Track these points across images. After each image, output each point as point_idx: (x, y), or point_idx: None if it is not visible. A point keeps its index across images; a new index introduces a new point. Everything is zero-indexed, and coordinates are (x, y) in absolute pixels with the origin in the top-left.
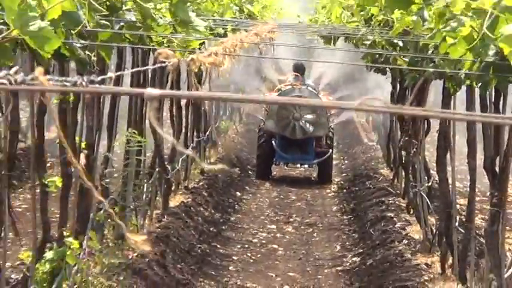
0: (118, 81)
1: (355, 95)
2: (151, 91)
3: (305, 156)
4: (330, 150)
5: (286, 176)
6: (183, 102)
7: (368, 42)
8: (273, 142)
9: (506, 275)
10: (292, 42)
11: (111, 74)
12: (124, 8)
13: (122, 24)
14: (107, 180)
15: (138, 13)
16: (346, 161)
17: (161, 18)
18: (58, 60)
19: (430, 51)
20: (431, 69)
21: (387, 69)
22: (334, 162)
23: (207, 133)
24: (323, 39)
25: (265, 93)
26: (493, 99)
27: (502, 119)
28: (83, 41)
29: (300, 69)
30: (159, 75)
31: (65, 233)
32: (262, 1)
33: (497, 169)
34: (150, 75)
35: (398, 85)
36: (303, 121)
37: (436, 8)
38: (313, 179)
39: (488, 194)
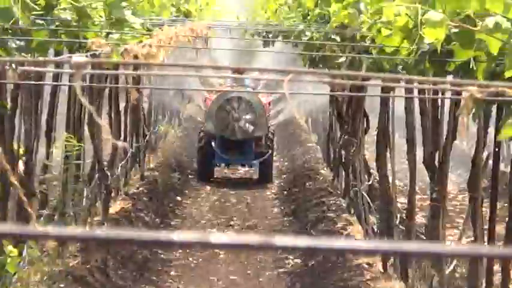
0: (55, 88)
1: (295, 95)
2: (77, 58)
3: (245, 156)
4: (270, 151)
5: (227, 178)
6: (121, 106)
7: (305, 39)
8: (213, 143)
9: (447, 271)
10: (232, 44)
11: (50, 69)
12: (59, 7)
13: (57, 23)
14: (45, 186)
15: (74, 12)
16: (286, 163)
17: (97, 17)
18: None
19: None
20: (366, 56)
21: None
22: (275, 164)
23: (146, 138)
24: (261, 40)
25: (204, 95)
26: (431, 94)
27: None
28: (18, 41)
29: (238, 70)
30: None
31: (4, 242)
32: (200, 0)
33: (436, 164)
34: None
35: (336, 85)
36: (242, 122)
37: None
38: (254, 178)
39: (428, 191)
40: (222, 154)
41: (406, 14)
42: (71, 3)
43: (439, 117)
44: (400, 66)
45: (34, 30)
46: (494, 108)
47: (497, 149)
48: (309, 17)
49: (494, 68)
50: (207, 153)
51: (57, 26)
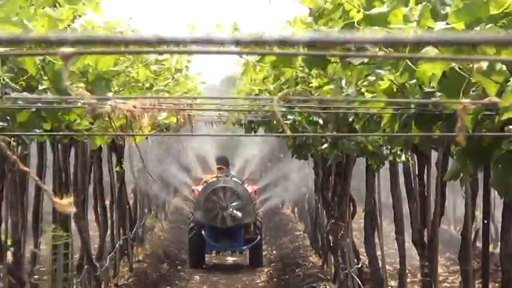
0: (40, 177)
1: (279, 183)
2: (65, 49)
3: (235, 243)
4: (259, 236)
5: (218, 264)
6: (107, 201)
7: (288, 122)
8: (203, 232)
9: None
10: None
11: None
12: (40, 87)
13: (39, 104)
14: (36, 277)
15: (55, 92)
16: (274, 251)
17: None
18: None
19: (350, 120)
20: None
21: (309, 155)
22: (263, 252)
23: (133, 231)
24: (243, 128)
25: (191, 186)
26: (416, 172)
27: None
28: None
29: (223, 162)
30: (81, 161)
31: None
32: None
33: (425, 241)
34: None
35: (321, 171)
36: (230, 210)
37: (354, 67)
38: (244, 264)
39: (418, 275)
40: (212, 242)
41: (389, 80)
42: (52, 86)
43: (425, 194)
44: (385, 137)
45: (17, 110)
46: (481, 181)
47: (485, 221)
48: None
49: (481, 117)
50: (197, 242)
51: (38, 108)
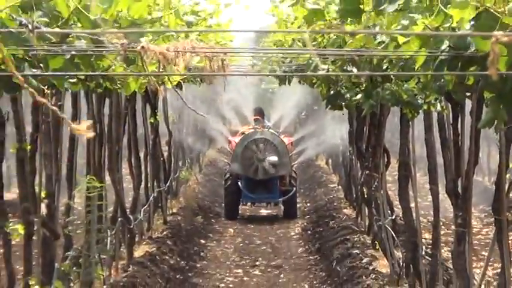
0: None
1: (314, 135)
2: None
3: (270, 195)
4: (294, 188)
5: (253, 216)
6: (141, 153)
7: (323, 72)
8: (239, 183)
9: None
10: (250, 88)
11: None
12: (73, 35)
13: (72, 52)
14: (70, 228)
15: (88, 40)
16: (308, 204)
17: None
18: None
19: (384, 67)
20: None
21: (343, 106)
22: (298, 205)
23: (167, 183)
24: (277, 79)
25: (229, 137)
26: (451, 121)
27: None
28: (34, 70)
29: (260, 113)
30: (115, 111)
31: (30, 283)
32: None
33: (459, 190)
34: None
35: (355, 122)
36: (267, 162)
37: (388, 14)
38: (279, 216)
39: (452, 227)
40: (248, 193)
41: (423, 23)
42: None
43: (459, 143)
44: (419, 84)
45: (50, 58)
46: None
47: None
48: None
49: None
50: (233, 193)
51: (72, 56)
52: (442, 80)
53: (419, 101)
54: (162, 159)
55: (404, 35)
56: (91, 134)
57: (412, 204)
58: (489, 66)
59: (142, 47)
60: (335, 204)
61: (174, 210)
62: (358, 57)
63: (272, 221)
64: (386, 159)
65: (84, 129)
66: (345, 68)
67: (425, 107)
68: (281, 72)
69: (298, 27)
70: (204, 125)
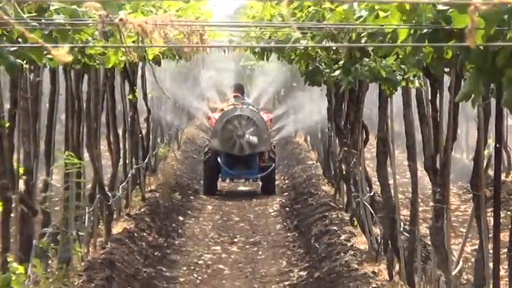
0: (53, 104)
1: (294, 111)
2: None
3: (249, 171)
4: (273, 164)
5: (231, 193)
6: (120, 130)
7: (301, 45)
8: (219, 159)
9: (454, 272)
10: (228, 65)
11: None
12: (51, 9)
13: (51, 27)
14: (48, 205)
15: (67, 14)
16: (286, 181)
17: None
18: None
19: (363, 41)
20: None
21: (322, 82)
22: (275, 182)
23: (146, 160)
24: (255, 55)
25: (208, 113)
26: (429, 97)
27: None
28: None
29: (239, 89)
30: (93, 88)
31: (8, 260)
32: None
33: (438, 167)
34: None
35: (334, 99)
36: (246, 138)
37: None
38: (258, 191)
39: (431, 203)
40: (227, 169)
41: None
42: (63, 7)
43: (438, 119)
44: (398, 60)
45: (28, 32)
46: (494, 108)
47: (497, 146)
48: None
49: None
50: (212, 169)
51: (50, 31)
52: (421, 54)
53: (397, 77)
54: (140, 136)
55: (384, 6)
56: (69, 58)
57: (391, 181)
58: (467, 36)
59: (121, 19)
60: (313, 181)
61: (153, 187)
62: (337, 31)
63: (250, 197)
64: (364, 136)
65: (63, 54)
66: (323, 43)
67: (403, 83)
68: (259, 48)
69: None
70: (183, 101)
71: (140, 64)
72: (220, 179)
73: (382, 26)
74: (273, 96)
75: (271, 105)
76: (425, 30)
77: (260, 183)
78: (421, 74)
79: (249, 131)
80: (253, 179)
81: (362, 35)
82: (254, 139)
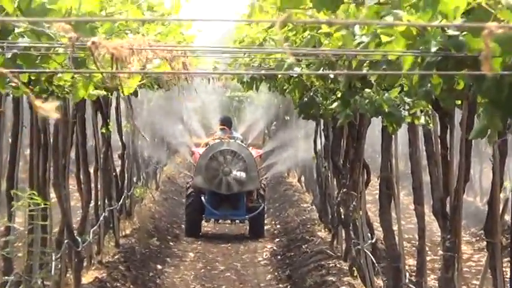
0: (16, 138)
1: (287, 147)
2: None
3: (236, 211)
4: (262, 205)
5: (216, 237)
6: (91, 167)
7: (295, 75)
8: (202, 198)
9: None
10: (211, 96)
11: None
12: (17, 30)
13: (15, 51)
14: (9, 250)
15: (33, 35)
16: (278, 225)
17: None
18: None
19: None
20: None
21: (318, 115)
22: (266, 227)
23: (120, 202)
24: (243, 85)
25: (191, 148)
26: (438, 133)
27: None
28: None
29: (226, 122)
30: (62, 120)
31: None
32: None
33: (448, 211)
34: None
35: (331, 134)
36: (233, 176)
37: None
38: (245, 234)
39: (440, 252)
40: (212, 209)
41: (408, 20)
42: (31, 28)
43: (448, 158)
44: (403, 93)
45: None
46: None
47: None
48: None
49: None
50: (196, 208)
51: (15, 54)
52: (429, 86)
53: (402, 112)
54: (114, 174)
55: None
56: (57, 115)
57: (395, 227)
58: (482, 63)
59: (93, 42)
60: (308, 226)
61: (128, 232)
62: (336, 58)
63: (237, 243)
64: (366, 176)
65: (49, 108)
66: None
67: (409, 119)
68: (248, 76)
69: (269, 28)
70: (163, 136)
71: (115, 94)
72: (204, 220)
73: (386, 53)
74: (262, 131)
75: (261, 140)
76: (433, 58)
77: (248, 225)
78: (428, 109)
79: (236, 168)
80: (240, 221)
81: (364, 64)
82: (242, 176)
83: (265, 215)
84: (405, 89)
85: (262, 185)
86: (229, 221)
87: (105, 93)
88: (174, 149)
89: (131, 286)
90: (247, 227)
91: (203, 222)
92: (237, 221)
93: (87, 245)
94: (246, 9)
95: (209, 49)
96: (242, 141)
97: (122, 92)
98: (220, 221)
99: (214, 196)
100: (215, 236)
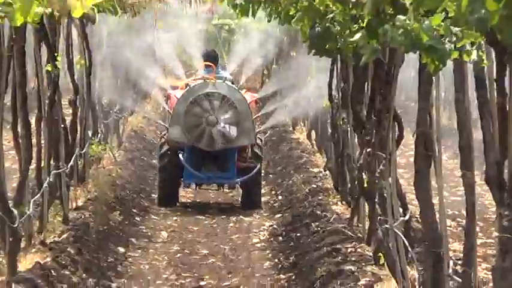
0: None
1: (292, 92)
2: None
3: (224, 174)
4: (258, 165)
5: (197, 207)
6: (32, 117)
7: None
8: (180, 156)
9: None
10: (193, 25)
11: None
12: None
13: None
14: None
15: None
16: (280, 196)
17: None
18: None
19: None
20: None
21: (334, 50)
22: (264, 198)
23: (71, 162)
24: (235, 9)
25: (168, 91)
26: (494, 75)
27: None
28: None
29: (212, 58)
30: None
31: None
32: None
33: (506, 179)
34: None
35: (352, 76)
36: (221, 126)
37: None
38: (236, 204)
39: (494, 233)
40: (193, 170)
41: None
42: None
43: (507, 108)
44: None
45: None
46: None
47: None
48: None
49: None
50: (171, 169)
51: None
52: (483, 11)
53: (447, 45)
54: (63, 126)
55: None
56: None
57: (435, 200)
58: None
59: None
60: (320, 197)
61: (80, 203)
62: None
63: (226, 217)
64: (397, 132)
65: None
66: None
67: (455, 54)
68: None
69: None
70: (128, 76)
71: (65, 20)
72: (182, 185)
73: None
74: (261, 71)
75: (258, 82)
76: None
77: (240, 192)
78: (481, 42)
79: (224, 116)
80: (229, 186)
81: None
82: (232, 128)
83: (263, 181)
84: (450, 14)
85: (259, 139)
86: (215, 186)
87: (51, 11)
88: (144, 92)
89: (83, 275)
90: (239, 196)
91: (181, 188)
92: (226, 186)
93: (26, 219)
94: None
95: None
96: (233, 83)
97: (73, 14)
98: (203, 186)
99: (195, 153)
100: (196, 207)
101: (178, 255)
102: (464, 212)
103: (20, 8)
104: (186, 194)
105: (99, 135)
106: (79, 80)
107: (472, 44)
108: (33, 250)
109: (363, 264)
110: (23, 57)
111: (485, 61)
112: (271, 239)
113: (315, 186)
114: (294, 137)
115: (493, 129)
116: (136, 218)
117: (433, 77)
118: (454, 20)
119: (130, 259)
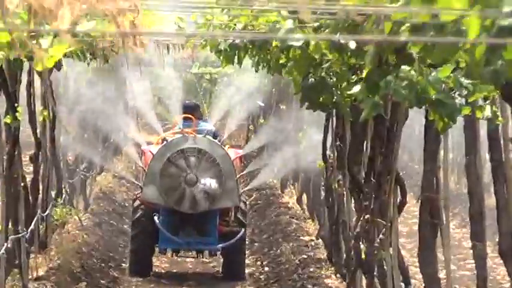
0: None
1: (281, 151)
2: None
3: (204, 239)
4: (242, 230)
5: (173, 276)
6: None
7: (298, 44)
8: (155, 219)
9: None
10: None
11: None
12: None
13: None
14: None
15: None
16: (266, 268)
17: None
18: None
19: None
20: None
21: (330, 104)
22: (248, 269)
23: (31, 226)
24: (219, 55)
25: (142, 146)
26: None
27: None
28: None
29: (192, 110)
30: None
31: None
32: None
33: None
34: None
35: (349, 132)
36: (201, 186)
37: None
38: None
39: None
40: (169, 235)
41: None
42: None
43: None
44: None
45: None
46: None
47: None
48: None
49: None
50: (146, 234)
51: None
52: (500, 63)
53: (457, 100)
54: (23, 185)
55: None
56: None
57: (442, 274)
58: None
59: None
60: (311, 269)
61: (41, 273)
62: (360, 18)
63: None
64: (399, 197)
65: None
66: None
67: (466, 110)
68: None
69: None
70: (98, 130)
71: (26, 66)
72: (157, 251)
73: (437, 11)
74: (245, 126)
75: (243, 138)
76: (509, 21)
77: (221, 261)
78: (495, 97)
79: (205, 175)
80: (210, 253)
81: (402, 28)
82: (213, 187)
83: (247, 251)
84: (461, 65)
85: (243, 201)
86: (193, 254)
87: (14, 55)
88: (114, 147)
89: None
90: (220, 266)
91: (156, 254)
92: (206, 253)
93: None
94: None
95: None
96: (216, 136)
97: (37, 64)
98: (180, 253)
99: (173, 215)
100: (172, 278)
101: None
102: (474, 287)
103: None
104: (160, 264)
105: (63, 196)
106: (42, 134)
107: (485, 98)
108: None
109: None
110: None
111: (500, 118)
112: None
113: (305, 256)
114: (283, 201)
115: (507, 194)
116: None
117: (441, 136)
118: (465, 72)
119: None
